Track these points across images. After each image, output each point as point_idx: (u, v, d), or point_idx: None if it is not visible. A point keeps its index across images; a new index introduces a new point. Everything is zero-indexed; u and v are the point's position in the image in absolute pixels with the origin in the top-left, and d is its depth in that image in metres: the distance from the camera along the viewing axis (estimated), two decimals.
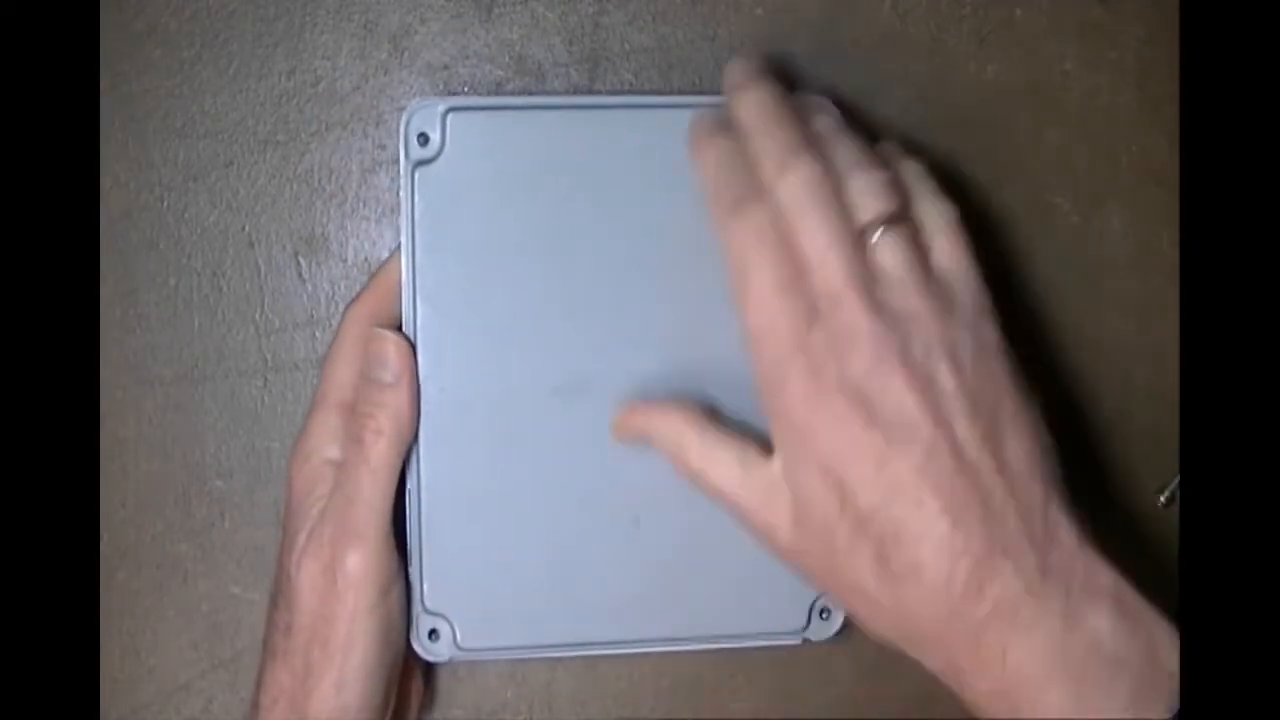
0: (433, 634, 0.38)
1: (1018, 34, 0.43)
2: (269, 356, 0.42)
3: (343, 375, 0.38)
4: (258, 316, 0.42)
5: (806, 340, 0.33)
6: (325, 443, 0.37)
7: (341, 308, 0.41)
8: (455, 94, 0.41)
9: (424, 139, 0.38)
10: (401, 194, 0.38)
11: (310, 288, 0.42)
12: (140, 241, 0.41)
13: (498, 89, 0.41)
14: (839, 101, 0.40)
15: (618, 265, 0.38)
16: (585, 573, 0.39)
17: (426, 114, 0.38)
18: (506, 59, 0.42)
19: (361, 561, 0.36)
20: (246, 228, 0.41)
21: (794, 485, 0.34)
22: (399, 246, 0.38)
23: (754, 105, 0.35)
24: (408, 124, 0.37)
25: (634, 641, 0.39)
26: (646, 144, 0.38)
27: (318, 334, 0.42)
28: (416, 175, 0.38)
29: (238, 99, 0.41)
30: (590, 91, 0.42)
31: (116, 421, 0.41)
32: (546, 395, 0.38)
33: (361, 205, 0.42)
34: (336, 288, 0.42)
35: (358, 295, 0.39)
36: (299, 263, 0.42)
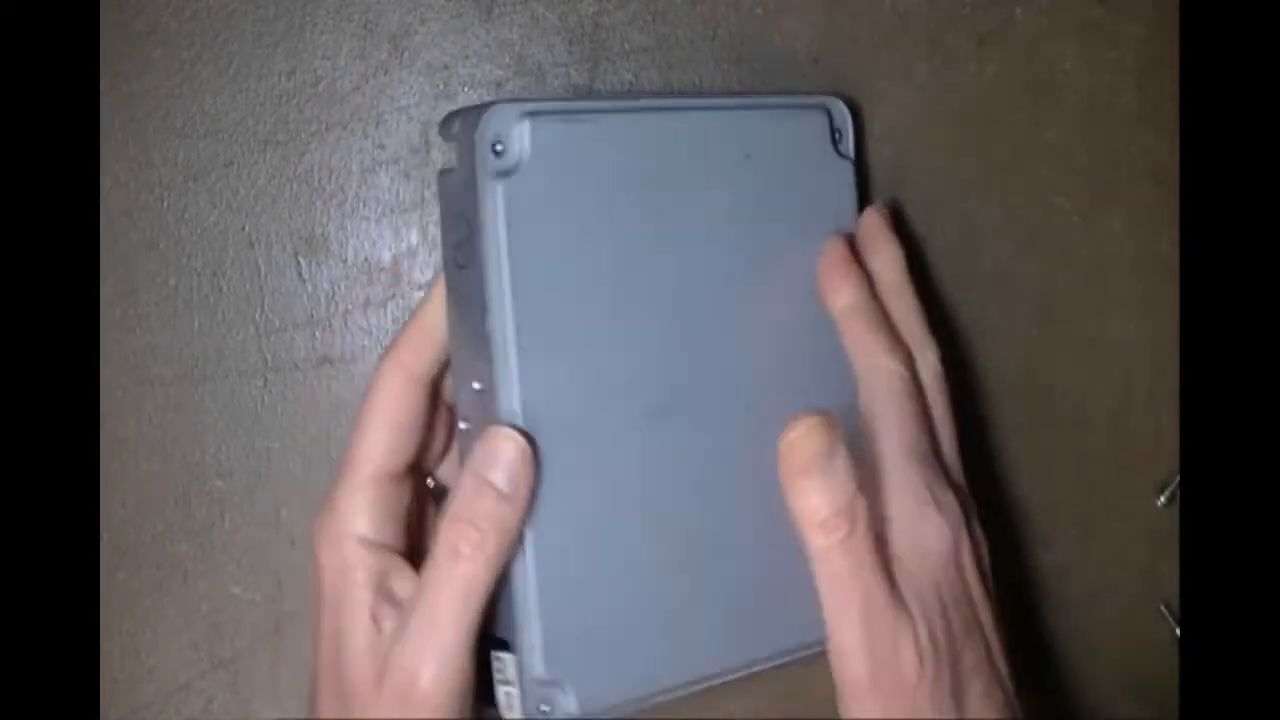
0: (542, 706, 0.33)
1: (1018, 34, 0.43)
2: (269, 356, 0.42)
3: (376, 439, 0.34)
4: (258, 316, 0.42)
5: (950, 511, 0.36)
6: (357, 520, 0.34)
7: (342, 308, 0.41)
8: (520, 97, 0.40)
9: (499, 148, 0.33)
10: (482, 211, 0.33)
11: (310, 288, 0.42)
12: (140, 241, 0.41)
13: (498, 89, 0.41)
14: (847, 100, 0.40)
15: (710, 275, 0.36)
16: (684, 604, 0.36)
17: (502, 119, 0.33)
18: (506, 59, 0.42)
19: (441, 682, 0.32)
20: (246, 228, 0.41)
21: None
22: (434, 282, 0.35)
23: (894, 265, 0.39)
24: (482, 131, 0.32)
25: (741, 666, 0.37)
26: (740, 147, 0.36)
27: (318, 334, 0.42)
28: (498, 189, 0.33)
29: (238, 99, 0.41)
30: (590, 90, 0.42)
31: (116, 421, 0.41)
32: (642, 421, 0.35)
33: (361, 205, 0.42)
34: (336, 288, 0.42)
35: (393, 345, 0.35)
36: (299, 263, 0.42)
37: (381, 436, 0.34)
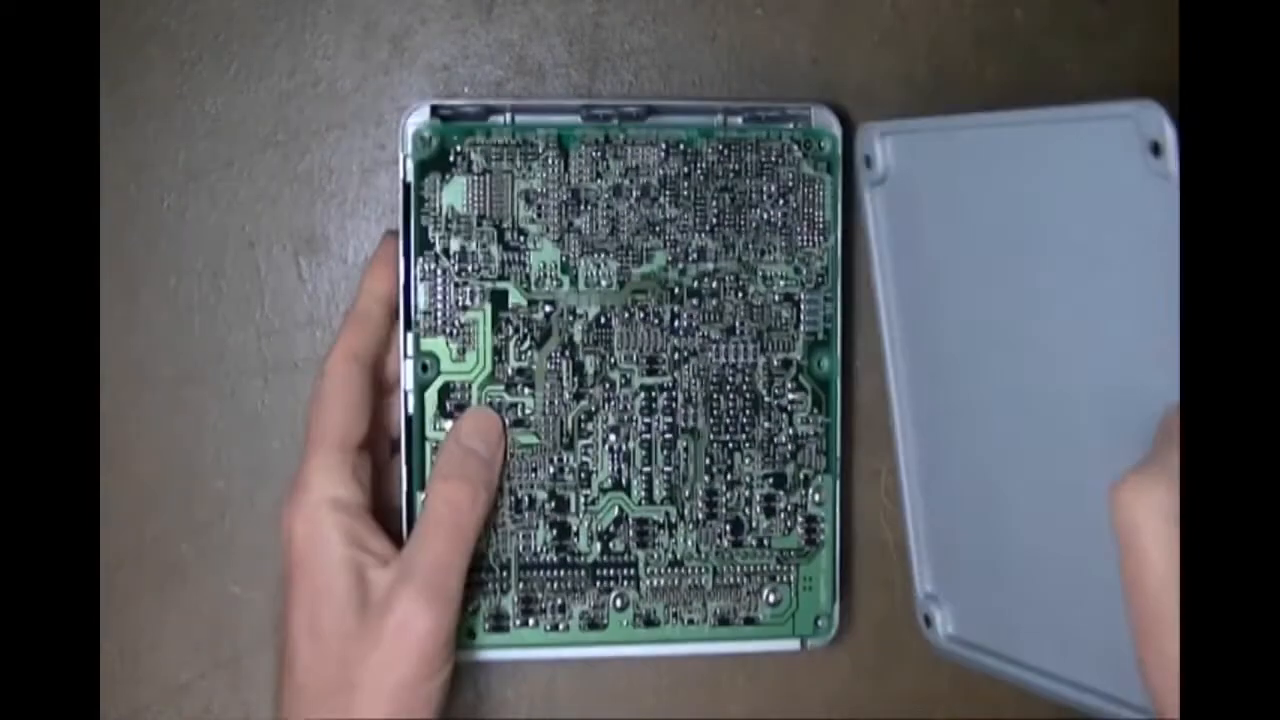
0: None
1: (1018, 34, 0.43)
2: (269, 356, 0.42)
3: (335, 419, 0.37)
4: (258, 316, 0.42)
5: None
6: (327, 487, 0.37)
7: (342, 308, 0.42)
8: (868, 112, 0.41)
9: (869, 161, 0.39)
10: (867, 216, 0.39)
11: (310, 288, 0.42)
12: (140, 241, 0.41)
13: (498, 89, 0.41)
14: (837, 107, 0.40)
15: (1038, 288, 0.35)
16: (1055, 601, 0.36)
17: (867, 138, 0.39)
18: (506, 59, 0.42)
19: (446, 621, 0.36)
20: (246, 228, 0.41)
21: None
22: (367, 275, 0.39)
23: None
24: (858, 146, 0.39)
25: (1083, 691, 0.35)
26: (1077, 161, 0.33)
27: (318, 334, 0.42)
28: (874, 196, 0.39)
29: (238, 99, 0.41)
30: (589, 92, 0.42)
31: (116, 421, 0.41)
32: (991, 413, 0.37)
33: (361, 205, 0.42)
34: (336, 288, 0.42)
35: (339, 336, 0.38)
36: (299, 263, 0.42)
37: (340, 416, 0.37)
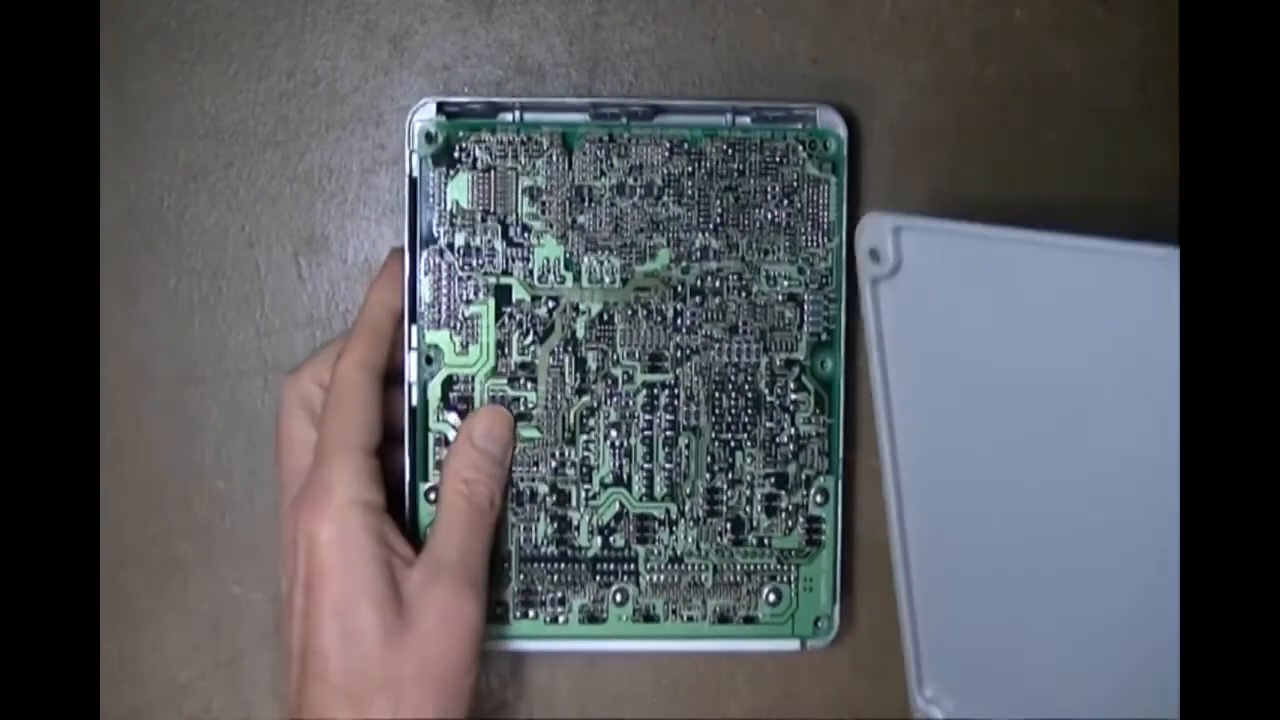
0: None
1: (1018, 34, 0.43)
2: (269, 356, 0.42)
3: (356, 422, 0.37)
4: (258, 316, 0.42)
5: None
6: (351, 488, 0.36)
7: (342, 308, 0.42)
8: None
9: (875, 255, 0.36)
10: (866, 312, 0.37)
11: (310, 288, 0.42)
12: (140, 241, 0.41)
13: (497, 89, 0.41)
14: (842, 108, 0.40)
15: (1039, 407, 0.35)
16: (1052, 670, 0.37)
17: (876, 230, 0.36)
18: (506, 59, 0.42)
19: (480, 613, 0.37)
20: (246, 228, 0.41)
21: None
22: (374, 287, 0.39)
23: None
24: (862, 238, 0.36)
25: None
26: (1100, 291, 0.32)
27: (318, 334, 0.42)
28: (878, 290, 0.37)
29: (238, 99, 0.41)
30: (589, 92, 0.42)
31: (116, 421, 0.41)
32: (990, 502, 0.37)
33: (361, 205, 0.42)
34: (336, 288, 0.42)
35: (348, 347, 0.38)
36: (299, 263, 0.42)
37: (358, 420, 0.37)
